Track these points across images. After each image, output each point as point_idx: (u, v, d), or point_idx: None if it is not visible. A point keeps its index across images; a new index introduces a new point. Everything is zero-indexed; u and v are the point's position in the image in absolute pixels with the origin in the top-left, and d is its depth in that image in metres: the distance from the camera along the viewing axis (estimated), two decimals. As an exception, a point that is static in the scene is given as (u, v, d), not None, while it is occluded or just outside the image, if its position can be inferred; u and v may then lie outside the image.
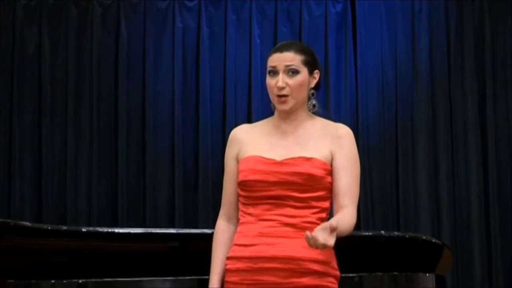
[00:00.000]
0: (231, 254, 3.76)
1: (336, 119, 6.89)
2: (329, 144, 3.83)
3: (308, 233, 3.37)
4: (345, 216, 3.68)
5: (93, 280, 4.46)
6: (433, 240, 5.11)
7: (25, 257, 4.65)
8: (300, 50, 3.84)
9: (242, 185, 3.75)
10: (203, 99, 7.36)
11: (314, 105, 3.86)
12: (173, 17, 7.46)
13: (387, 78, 7.38)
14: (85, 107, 7.41)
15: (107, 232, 4.95)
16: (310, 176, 3.72)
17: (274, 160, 3.74)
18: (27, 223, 5.06)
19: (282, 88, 3.81)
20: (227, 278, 3.75)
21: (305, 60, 3.81)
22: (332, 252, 3.73)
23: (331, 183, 3.77)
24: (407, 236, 5.30)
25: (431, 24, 7.44)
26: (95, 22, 7.46)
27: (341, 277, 4.26)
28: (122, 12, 7.46)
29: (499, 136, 7.35)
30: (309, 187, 3.70)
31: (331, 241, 3.38)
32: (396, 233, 6.33)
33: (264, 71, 7.02)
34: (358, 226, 5.97)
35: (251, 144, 3.85)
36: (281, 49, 3.84)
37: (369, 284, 4.60)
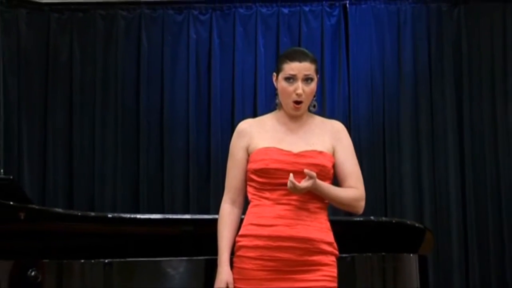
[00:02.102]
0: (247, 232, 3.79)
1: (331, 117, 6.88)
2: (329, 139, 3.90)
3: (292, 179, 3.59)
4: (346, 190, 3.83)
5: (117, 260, 4.44)
6: (416, 225, 5.10)
7: (58, 239, 4.64)
8: (313, 60, 3.88)
9: (262, 172, 3.78)
10: (214, 100, 7.35)
11: (314, 106, 3.88)
12: (187, 28, 7.45)
13: (375, 82, 7.37)
14: (111, 107, 7.41)
15: (130, 218, 4.94)
16: (323, 167, 3.80)
17: (291, 152, 3.73)
18: (60, 210, 5.06)
19: (301, 95, 3.83)
20: (243, 253, 3.77)
21: (316, 69, 3.89)
22: (333, 235, 3.79)
23: (334, 173, 3.82)
24: (393, 221, 5.30)
25: (414, 35, 7.42)
26: (120, 33, 7.45)
27: (337, 255, 4.24)
28: (143, 25, 7.46)
29: (474, 132, 7.34)
30: (320, 176, 3.72)
31: (305, 184, 3.62)
32: (383, 218, 6.34)
33: (267, 76, 7.04)
34: (349, 212, 5.95)
35: (261, 137, 3.89)
36: (299, 59, 3.86)
37: (361, 263, 4.59)
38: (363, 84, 7.36)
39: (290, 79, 3.83)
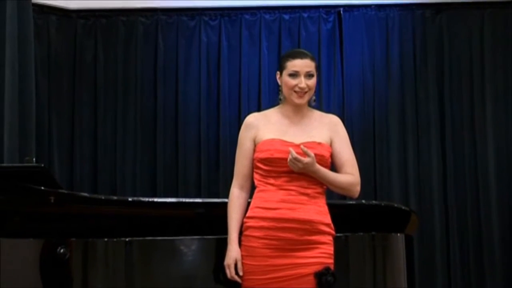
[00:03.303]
0: (254, 214, 3.83)
1: (327, 112, 6.86)
2: (328, 131, 3.92)
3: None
4: (343, 175, 3.86)
5: (137, 238, 4.44)
6: (403, 207, 5.08)
7: (84, 220, 4.64)
8: (312, 58, 3.95)
9: (267, 161, 3.82)
10: (222, 97, 7.34)
11: (314, 100, 3.95)
12: (199, 33, 7.43)
13: (366, 80, 7.35)
14: (131, 103, 7.40)
15: (148, 201, 4.94)
16: (322, 157, 3.82)
17: (293, 143, 3.78)
18: (86, 194, 5.05)
19: (304, 88, 3.85)
20: (250, 233, 3.81)
21: (315, 66, 3.95)
22: (330, 217, 3.84)
23: (332, 162, 3.86)
24: (382, 204, 5.29)
25: (401, 38, 7.40)
26: (139, 37, 7.43)
27: (334, 235, 4.22)
28: (160, 29, 7.44)
29: (454, 126, 7.32)
30: (319, 165, 3.71)
31: (305, 160, 3.68)
32: (374, 202, 6.31)
33: (270, 75, 7.05)
34: (343, 196, 5.97)
35: (266, 129, 3.91)
36: (300, 57, 3.91)
37: (353, 242, 4.58)
38: (356, 82, 7.35)
39: (294, 75, 3.85)
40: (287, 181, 3.79)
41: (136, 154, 7.35)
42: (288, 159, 3.68)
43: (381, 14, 7.42)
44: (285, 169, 3.77)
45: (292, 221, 3.75)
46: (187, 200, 5.24)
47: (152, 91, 7.41)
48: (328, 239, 3.81)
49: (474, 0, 7.38)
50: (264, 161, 3.81)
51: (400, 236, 4.70)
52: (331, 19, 7.41)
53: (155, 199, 5.12)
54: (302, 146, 3.69)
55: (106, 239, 4.42)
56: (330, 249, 3.80)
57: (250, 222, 3.81)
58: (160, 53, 7.42)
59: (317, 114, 4.00)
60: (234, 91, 7.34)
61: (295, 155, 3.66)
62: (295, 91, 3.86)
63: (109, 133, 7.39)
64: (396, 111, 7.33)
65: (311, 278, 3.71)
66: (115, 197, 5.46)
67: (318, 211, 3.79)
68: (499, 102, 7.30)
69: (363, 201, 5.18)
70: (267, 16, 7.43)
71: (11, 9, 6.20)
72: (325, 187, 3.84)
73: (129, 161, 7.33)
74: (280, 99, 3.97)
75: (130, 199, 5.14)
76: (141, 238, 4.45)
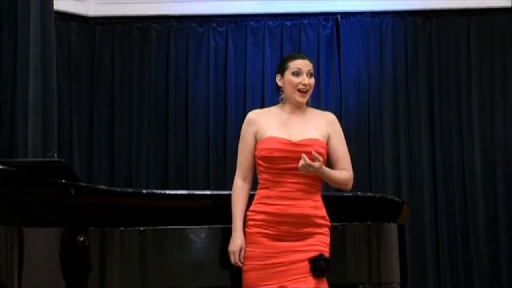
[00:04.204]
0: (256, 209, 3.83)
1: (326, 111, 6.78)
2: (325, 127, 3.89)
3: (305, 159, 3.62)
4: (341, 172, 3.84)
5: (150, 227, 4.43)
6: (396, 199, 5.07)
7: (102, 211, 4.63)
8: (311, 60, 3.95)
9: (267, 159, 3.80)
10: (229, 97, 7.34)
11: (310, 101, 3.93)
12: (208, 38, 7.43)
13: (362, 82, 7.34)
14: (145, 103, 7.40)
15: (160, 193, 4.93)
16: (318, 153, 3.75)
17: (290, 141, 3.75)
18: (103, 187, 5.04)
19: (306, 85, 3.84)
20: (251, 224, 3.82)
21: (313, 67, 3.86)
22: (325, 210, 3.81)
23: (328, 156, 3.82)
24: (377, 196, 5.26)
25: (394, 43, 7.40)
26: (152, 42, 7.44)
27: (329, 226, 4.21)
28: (172, 35, 7.44)
29: (443, 124, 7.31)
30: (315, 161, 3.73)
31: (316, 164, 3.65)
32: (369, 193, 6.32)
33: (273, 77, 7.00)
34: (340, 189, 5.86)
35: (267, 126, 3.89)
36: (301, 57, 3.95)
37: (350, 231, 4.56)
38: (352, 84, 7.34)
39: (297, 73, 3.84)
40: (285, 178, 3.77)
41: (150, 150, 7.34)
42: (301, 164, 3.65)
43: (376, 21, 7.41)
44: (283, 166, 3.76)
45: (289, 216, 3.75)
46: (197, 192, 5.24)
47: (164, 92, 7.40)
48: (324, 230, 3.80)
49: (461, 7, 7.37)
50: (264, 159, 3.80)
51: (393, 225, 4.69)
52: (329, 25, 7.40)
53: (167, 191, 5.09)
54: (313, 152, 3.66)
55: (122, 228, 4.42)
56: (326, 238, 3.79)
57: (252, 215, 3.83)
58: (171, 56, 7.41)
59: (314, 111, 3.99)
60: (240, 92, 7.33)
61: (308, 161, 3.63)
62: (298, 90, 3.85)
63: (125, 131, 7.39)
64: (389, 110, 7.32)
65: (306, 264, 3.70)
66: (130, 190, 5.46)
67: (314, 206, 3.78)
68: (484, 101, 7.30)
69: (359, 193, 5.17)
70: (270, 23, 7.42)
71: (35, 16, 6.20)
72: (320, 183, 3.83)
73: (143, 156, 7.33)
74: (281, 99, 3.95)
75: (144, 191, 5.14)
76: (154, 227, 4.44)
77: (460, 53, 7.37)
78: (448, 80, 7.35)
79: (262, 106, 7.11)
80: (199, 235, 4.34)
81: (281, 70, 3.91)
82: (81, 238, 4.33)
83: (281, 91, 3.93)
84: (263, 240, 3.77)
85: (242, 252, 3.81)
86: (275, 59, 7.30)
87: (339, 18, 7.39)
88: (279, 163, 3.77)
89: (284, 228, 3.74)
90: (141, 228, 4.42)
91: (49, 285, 4.29)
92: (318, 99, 7.18)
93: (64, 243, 4.34)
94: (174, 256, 4.33)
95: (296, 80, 3.85)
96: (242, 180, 3.91)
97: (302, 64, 3.87)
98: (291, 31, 7.41)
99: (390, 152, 7.26)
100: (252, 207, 3.85)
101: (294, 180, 3.76)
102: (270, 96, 7.17)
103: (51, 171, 4.51)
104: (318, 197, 3.83)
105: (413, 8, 7.42)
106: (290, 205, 3.75)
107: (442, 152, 7.25)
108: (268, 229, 3.76)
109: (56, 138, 6.35)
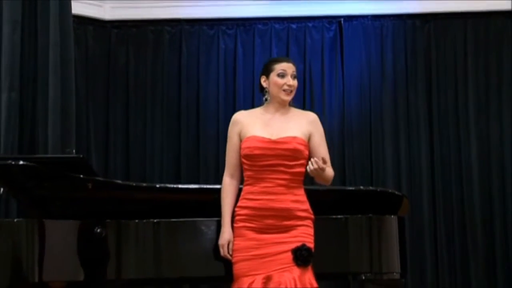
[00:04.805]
0: (241, 204, 3.87)
1: (329, 110, 6.84)
2: (306, 126, 3.90)
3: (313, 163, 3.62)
4: (330, 170, 3.82)
5: (163, 220, 4.44)
6: (396, 192, 5.06)
7: (117, 204, 4.64)
8: (295, 64, 3.98)
9: (249, 157, 3.83)
10: (238, 95, 7.33)
11: (293, 101, 3.99)
12: (218, 40, 7.42)
13: (364, 81, 7.32)
14: (158, 102, 7.40)
15: (173, 187, 4.94)
16: (296, 150, 3.80)
17: (270, 139, 3.77)
18: (119, 181, 5.05)
19: (291, 86, 3.86)
20: (238, 219, 3.86)
21: (296, 70, 3.91)
22: (308, 203, 3.83)
23: (309, 154, 3.85)
24: (378, 190, 5.25)
25: (394, 45, 7.38)
26: (165, 44, 7.43)
27: (333, 217, 4.25)
28: (184, 37, 7.43)
29: (441, 122, 7.29)
30: (294, 157, 3.80)
31: (324, 166, 3.65)
32: (370, 187, 6.32)
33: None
34: (343, 183, 5.90)
35: (250, 126, 3.92)
36: (286, 60, 3.98)
37: (352, 223, 4.56)
38: (354, 83, 7.32)
39: (282, 75, 3.87)
40: (266, 174, 3.79)
41: (163, 146, 7.35)
42: (312, 168, 3.64)
43: (377, 23, 7.39)
44: (263, 163, 3.79)
45: (271, 210, 3.77)
46: (207, 186, 5.24)
47: (177, 91, 7.40)
48: (306, 222, 3.81)
49: (457, 11, 7.34)
50: (246, 157, 3.84)
51: (393, 218, 4.68)
52: (333, 28, 7.39)
53: (179, 186, 5.11)
54: (322, 157, 3.67)
55: (137, 220, 4.43)
56: (308, 230, 3.81)
57: (238, 211, 3.88)
58: (183, 58, 7.41)
59: (296, 111, 4.01)
60: (248, 91, 7.32)
61: (321, 165, 3.64)
62: (283, 90, 3.88)
63: (139, 128, 7.39)
64: (389, 108, 7.30)
65: (290, 254, 3.73)
66: (144, 184, 5.46)
67: (294, 200, 3.80)
68: (480, 100, 7.28)
69: (361, 187, 5.19)
70: (277, 26, 7.41)
71: (54, 20, 6.22)
72: (301, 178, 3.84)
73: (156, 152, 7.34)
74: (265, 99, 3.98)
75: (157, 185, 5.15)
76: (167, 220, 4.45)
77: (457, 54, 7.34)
78: (445, 80, 7.33)
79: (269, 104, 7.11)
80: (209, 227, 4.35)
81: (266, 72, 3.93)
82: (98, 230, 4.34)
83: (266, 91, 3.96)
84: (248, 233, 3.80)
85: (230, 245, 3.86)
86: (281, 60, 7.31)
87: (342, 21, 7.37)
88: (260, 160, 3.79)
89: (268, 221, 3.77)
90: (155, 220, 4.44)
91: (68, 274, 4.30)
92: (322, 98, 7.18)
93: (82, 234, 4.35)
94: (185, 247, 4.34)
95: (281, 81, 3.88)
96: (230, 177, 3.95)
97: (287, 67, 3.90)
98: (296, 34, 7.40)
99: (391, 148, 7.24)
100: (238, 203, 3.90)
101: (275, 176, 3.78)
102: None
103: (70, 166, 4.53)
104: (300, 192, 3.84)
105: (412, 11, 7.39)
106: (272, 200, 3.77)
107: (440, 149, 7.23)
108: (252, 223, 3.79)
109: (74, 135, 6.36)
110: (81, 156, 4.74)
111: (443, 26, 7.40)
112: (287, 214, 3.76)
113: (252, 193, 3.82)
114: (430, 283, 7.04)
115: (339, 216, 4.51)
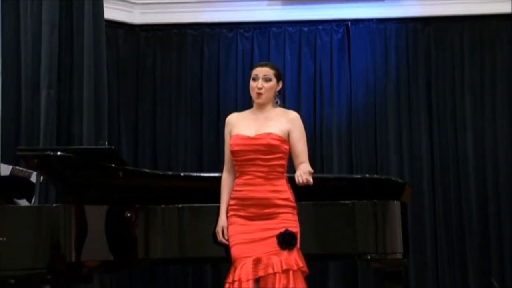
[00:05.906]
0: (232, 195, 3.95)
1: (338, 105, 6.79)
2: (286, 124, 3.96)
3: (300, 175, 3.62)
4: (305, 166, 3.76)
5: (187, 205, 4.45)
6: (399, 180, 5.05)
7: (146, 191, 4.66)
8: (272, 67, 4.05)
9: (233, 153, 4.00)
10: (255, 93, 7.31)
11: (277, 102, 4.04)
12: (236, 42, 7.41)
13: (369, 80, 7.29)
14: (182, 99, 7.41)
15: (196, 175, 4.98)
16: (270, 145, 3.87)
17: (248, 136, 3.81)
18: (147, 170, 5.07)
19: (260, 89, 3.90)
20: (229, 209, 3.96)
21: (275, 74, 3.97)
22: (290, 192, 3.86)
23: (289, 149, 3.83)
24: (382, 178, 5.27)
25: (397, 46, 7.34)
26: (188, 46, 7.43)
27: (341, 203, 4.24)
28: (205, 40, 7.43)
29: (440, 116, 7.25)
30: (270, 152, 3.88)
31: (311, 180, 3.63)
32: (375, 175, 6.31)
33: (292, 76, 7.02)
34: (351, 171, 5.85)
35: (237, 126, 4.02)
36: (260, 65, 4.08)
37: (359, 208, 4.55)
38: (361, 82, 7.29)
39: (255, 79, 3.95)
40: (247, 168, 3.87)
41: (187, 138, 7.36)
42: (300, 182, 3.65)
43: (381, 26, 7.36)
44: (243, 158, 3.88)
45: (252, 199, 3.84)
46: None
47: (199, 89, 7.40)
48: (287, 209, 3.85)
49: (455, 15, 7.31)
50: (231, 153, 3.96)
51: (396, 203, 4.67)
52: (341, 30, 7.36)
53: (202, 174, 5.11)
54: (308, 171, 3.67)
55: (163, 206, 4.44)
56: (290, 216, 3.86)
57: (230, 201, 3.97)
58: (205, 58, 7.41)
59: (279, 110, 4.06)
60: (263, 90, 7.31)
61: (306, 180, 3.63)
62: (256, 92, 3.99)
63: (165, 122, 7.40)
64: (392, 104, 7.27)
65: (275, 239, 3.77)
66: (170, 172, 5.48)
67: (273, 190, 3.84)
68: (475, 96, 7.24)
69: (367, 175, 5.17)
70: (290, 29, 7.39)
71: (88, 24, 6.26)
72: (280, 169, 3.87)
73: (181, 144, 7.34)
74: (252, 101, 4.06)
75: (182, 174, 5.17)
76: (190, 205, 4.46)
77: (455, 55, 7.31)
78: (444, 78, 7.30)
79: (284, 101, 7.10)
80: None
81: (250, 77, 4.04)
82: (128, 214, 4.37)
83: None
84: (238, 220, 3.87)
85: (225, 231, 3.93)
86: (293, 60, 7.29)
87: (349, 25, 7.34)
88: (241, 155, 3.88)
89: (251, 209, 3.84)
90: (179, 206, 4.45)
91: (101, 254, 4.33)
92: (331, 94, 7.16)
93: (113, 218, 4.36)
94: (207, 230, 4.34)
95: (253, 84, 4.01)
96: (227, 172, 4.06)
97: (259, 71, 4.01)
98: (308, 36, 7.37)
99: (394, 140, 7.22)
100: (232, 195, 3.96)
101: (254, 169, 3.85)
102: (290, 92, 7.15)
103: (102, 156, 4.54)
104: (280, 182, 3.87)
105: (414, 15, 7.36)
106: (252, 190, 3.84)
107: (439, 141, 7.21)
108: (239, 212, 3.87)
109: (107, 129, 6.39)
110: (112, 147, 4.75)
111: (442, 28, 7.36)
112: (266, 203, 3.83)
113: (238, 185, 3.92)
114: (429, 263, 7.03)
115: (347, 202, 4.50)
